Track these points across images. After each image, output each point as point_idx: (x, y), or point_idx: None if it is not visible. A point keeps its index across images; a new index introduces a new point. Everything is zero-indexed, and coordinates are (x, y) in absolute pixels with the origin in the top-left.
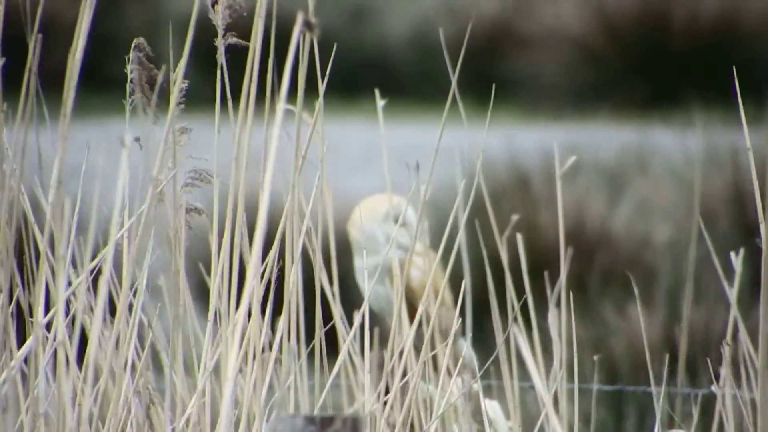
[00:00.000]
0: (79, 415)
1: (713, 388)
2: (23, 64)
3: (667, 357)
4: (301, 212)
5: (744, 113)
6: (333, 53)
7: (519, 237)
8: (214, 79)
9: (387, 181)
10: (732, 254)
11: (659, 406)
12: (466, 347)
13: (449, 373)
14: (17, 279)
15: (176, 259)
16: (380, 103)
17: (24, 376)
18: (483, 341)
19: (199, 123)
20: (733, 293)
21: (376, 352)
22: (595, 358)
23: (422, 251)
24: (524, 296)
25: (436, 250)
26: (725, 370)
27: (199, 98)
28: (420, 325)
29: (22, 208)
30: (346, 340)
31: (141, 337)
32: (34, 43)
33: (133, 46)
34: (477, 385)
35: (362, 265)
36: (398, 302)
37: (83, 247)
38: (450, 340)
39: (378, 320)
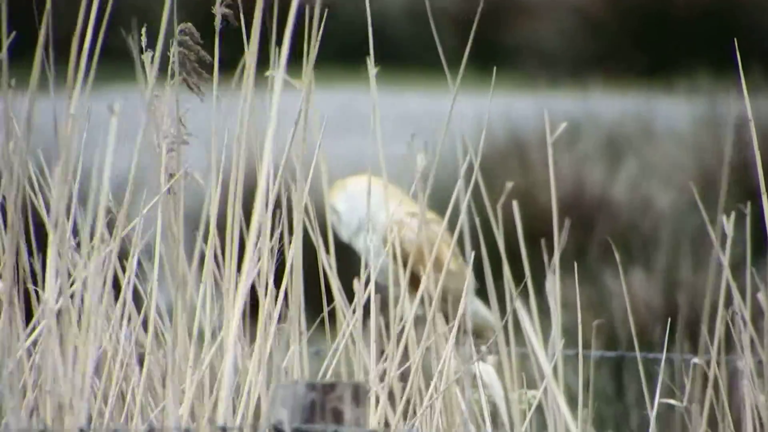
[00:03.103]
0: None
1: (696, 359)
2: (27, 32)
3: (669, 323)
4: (299, 182)
5: (750, 81)
6: (326, 20)
7: (515, 204)
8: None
9: (380, 151)
10: (724, 218)
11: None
12: (480, 307)
13: (457, 343)
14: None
15: (174, 225)
16: (372, 71)
17: (31, 354)
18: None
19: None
20: (725, 258)
21: (377, 319)
22: (595, 323)
23: (416, 213)
24: (520, 263)
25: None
26: (718, 336)
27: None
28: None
29: (27, 183)
30: (346, 314)
31: (138, 304)
32: (45, 16)
33: (178, 29)
34: (492, 354)
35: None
36: (393, 265)
37: (84, 217)
38: (458, 315)
39: (381, 289)
